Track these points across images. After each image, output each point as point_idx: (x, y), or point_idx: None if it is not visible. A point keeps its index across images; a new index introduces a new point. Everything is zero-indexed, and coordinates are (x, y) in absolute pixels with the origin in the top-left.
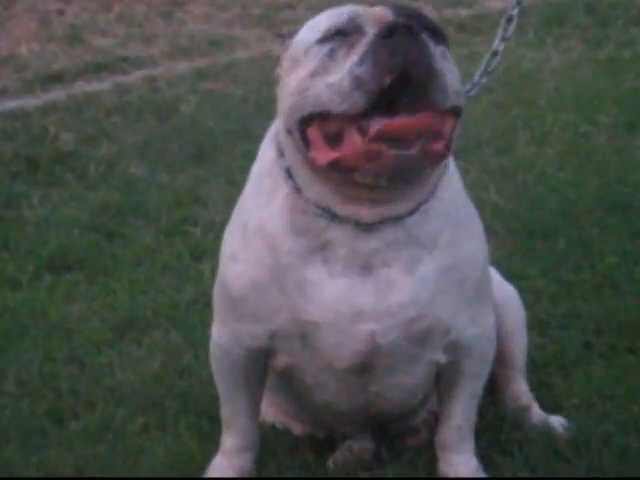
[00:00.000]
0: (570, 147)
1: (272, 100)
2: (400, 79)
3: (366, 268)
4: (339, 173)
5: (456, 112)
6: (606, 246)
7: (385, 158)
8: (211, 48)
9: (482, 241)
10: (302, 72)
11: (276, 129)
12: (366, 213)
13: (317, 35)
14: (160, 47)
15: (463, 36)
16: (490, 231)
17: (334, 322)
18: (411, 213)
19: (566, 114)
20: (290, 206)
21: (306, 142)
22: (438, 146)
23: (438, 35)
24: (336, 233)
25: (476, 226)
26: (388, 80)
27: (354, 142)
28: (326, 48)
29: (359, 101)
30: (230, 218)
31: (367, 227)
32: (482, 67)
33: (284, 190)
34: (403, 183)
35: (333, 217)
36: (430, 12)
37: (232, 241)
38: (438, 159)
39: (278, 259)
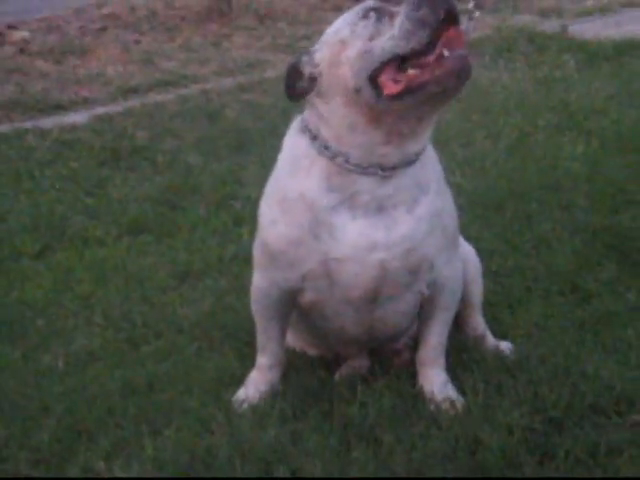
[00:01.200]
0: (516, 143)
1: (293, 106)
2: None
3: (380, 209)
4: (412, 96)
5: None
6: (542, 216)
7: (450, 60)
8: (249, 68)
9: (452, 202)
10: (358, 43)
11: (302, 123)
12: (390, 155)
13: (357, 15)
14: (211, 68)
15: None
16: (456, 205)
17: (354, 255)
18: (415, 161)
19: (513, 118)
20: (327, 172)
21: (378, 88)
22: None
23: None
24: (363, 183)
25: (449, 193)
26: (442, 14)
27: (422, 62)
28: (372, 18)
29: (423, 36)
30: (264, 195)
31: (387, 173)
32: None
33: (321, 162)
34: (464, 83)
35: (362, 169)
36: None
37: (271, 212)
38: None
39: (315, 215)
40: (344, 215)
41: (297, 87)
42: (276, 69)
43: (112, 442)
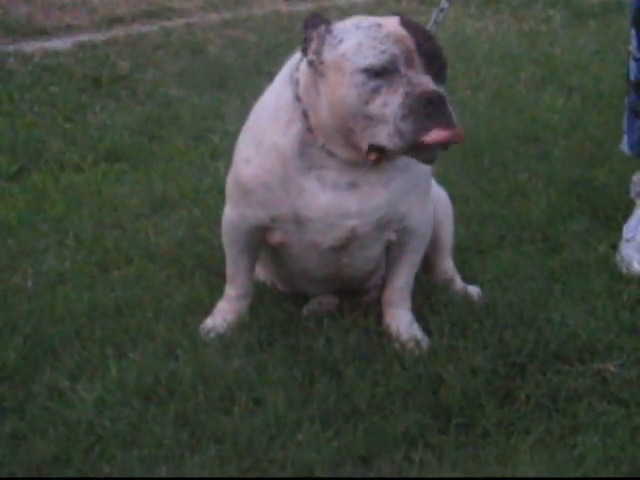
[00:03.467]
0: (497, 93)
1: (278, 45)
2: None
3: (352, 185)
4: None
5: None
6: (519, 166)
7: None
8: (235, 5)
9: None
10: (351, 90)
11: (290, 71)
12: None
13: (363, 63)
14: (196, 2)
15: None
16: None
17: (324, 218)
18: None
19: (496, 69)
20: (301, 139)
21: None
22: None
23: (444, 70)
24: (334, 164)
25: None
26: (421, 138)
27: None
28: (372, 84)
29: (399, 145)
30: (243, 131)
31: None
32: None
33: (298, 126)
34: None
35: (333, 155)
36: None
37: (247, 150)
38: None
39: (285, 170)
40: (314, 183)
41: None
42: (263, 7)
43: (77, 362)
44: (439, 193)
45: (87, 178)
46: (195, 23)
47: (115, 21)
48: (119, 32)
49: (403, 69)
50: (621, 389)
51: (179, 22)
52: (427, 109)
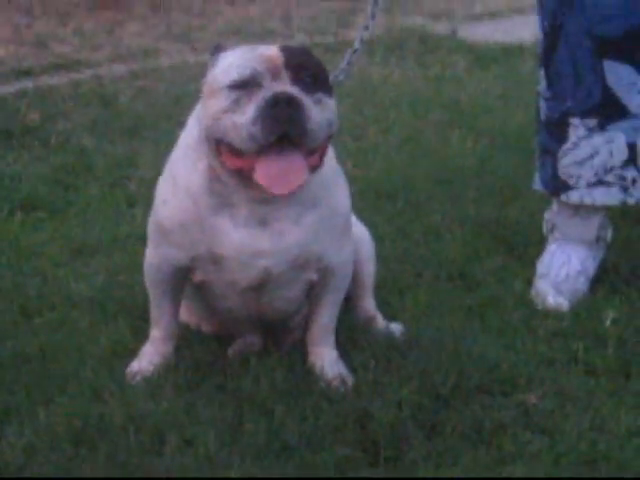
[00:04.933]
0: (407, 138)
1: (187, 94)
2: (282, 135)
3: (263, 222)
4: (242, 178)
5: (330, 137)
6: (432, 207)
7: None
8: (142, 56)
9: (347, 197)
10: (217, 104)
11: (198, 109)
12: (263, 198)
13: (227, 81)
14: (104, 54)
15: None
16: (350, 193)
17: (238, 257)
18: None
19: (404, 114)
20: (209, 175)
21: (217, 149)
22: (313, 161)
23: (318, 82)
24: (241, 199)
25: (343, 187)
26: (272, 138)
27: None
28: (234, 95)
29: (252, 147)
30: (162, 173)
31: (265, 197)
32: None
33: (205, 163)
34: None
35: (239, 188)
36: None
37: (164, 191)
38: (313, 171)
39: (198, 210)
40: (226, 221)
41: None
42: (170, 57)
43: (3, 409)
44: (362, 232)
45: (3, 227)
46: (104, 74)
47: (23, 74)
48: (28, 84)
49: (267, 83)
50: (543, 419)
51: (88, 73)
52: (274, 110)
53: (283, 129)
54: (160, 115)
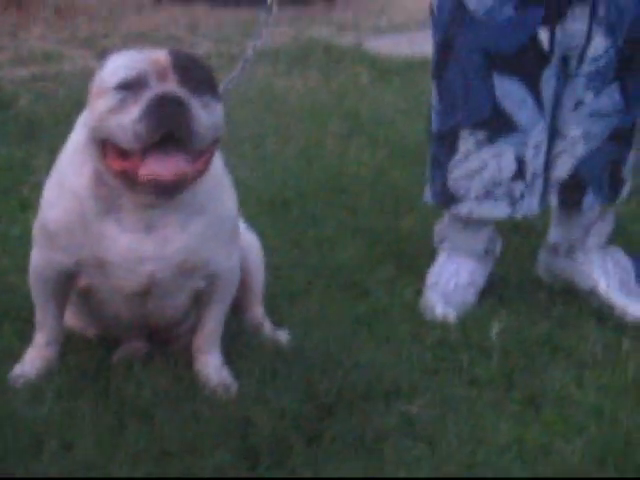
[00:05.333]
0: (305, 147)
1: (87, 100)
2: (167, 135)
3: (149, 227)
4: (127, 180)
5: (216, 141)
6: (327, 217)
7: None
8: (45, 60)
9: (234, 203)
10: (103, 105)
11: (85, 113)
12: (148, 202)
13: (114, 81)
14: (5, 56)
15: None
16: (244, 202)
17: (123, 262)
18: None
19: (304, 124)
20: (94, 179)
21: (103, 152)
22: (199, 165)
23: (205, 84)
24: (126, 203)
25: (230, 194)
26: (157, 137)
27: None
28: (120, 95)
29: (137, 146)
30: (49, 176)
31: (150, 201)
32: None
33: (90, 166)
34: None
35: (124, 196)
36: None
37: (50, 193)
38: (199, 175)
39: (84, 214)
40: (111, 226)
41: None
42: (73, 63)
43: None
44: (250, 239)
45: None
46: (3, 77)
47: None
48: None
49: (154, 83)
50: (425, 427)
51: None
52: (160, 109)
53: (168, 127)
54: (59, 120)
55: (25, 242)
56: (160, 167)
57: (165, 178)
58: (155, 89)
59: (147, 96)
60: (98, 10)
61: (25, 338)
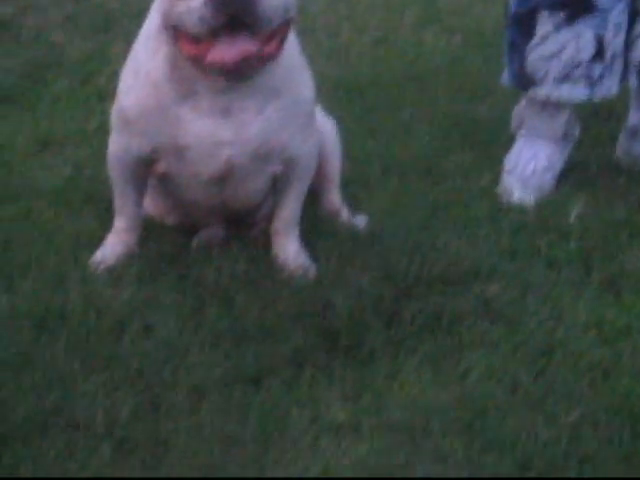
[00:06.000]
0: (381, 36)
1: None
2: (233, 18)
3: (226, 112)
4: (199, 65)
5: (287, 23)
6: (402, 104)
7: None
8: None
9: (311, 88)
10: None
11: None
12: (221, 86)
13: None
14: None
15: None
16: (320, 90)
17: (200, 147)
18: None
19: (379, 13)
20: (171, 63)
21: (176, 37)
22: (270, 48)
23: None
24: (203, 86)
25: (307, 78)
26: (222, 20)
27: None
28: None
29: (204, 30)
30: (125, 63)
31: (230, 82)
32: None
33: (167, 49)
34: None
35: (199, 81)
36: None
37: (127, 80)
38: (270, 59)
39: (160, 99)
40: (188, 111)
41: None
42: None
43: None
44: (327, 125)
45: None
46: None
47: None
48: None
49: None
50: (502, 309)
51: None
52: None
53: (232, 9)
54: (132, 11)
55: (102, 134)
56: (225, 51)
57: (230, 62)
58: None
59: None
60: None
61: (104, 224)
